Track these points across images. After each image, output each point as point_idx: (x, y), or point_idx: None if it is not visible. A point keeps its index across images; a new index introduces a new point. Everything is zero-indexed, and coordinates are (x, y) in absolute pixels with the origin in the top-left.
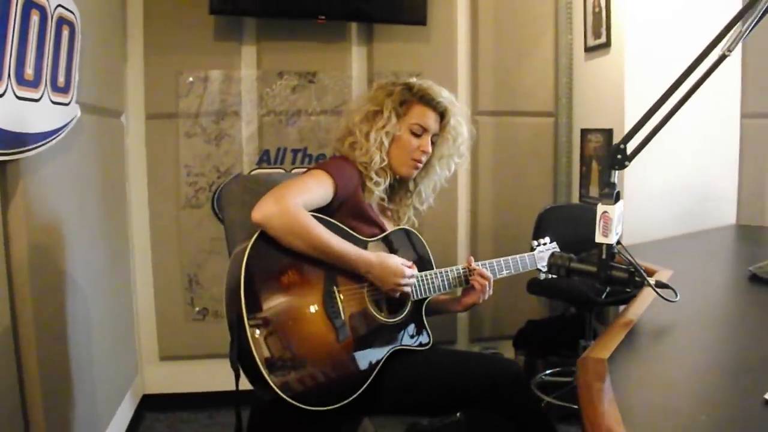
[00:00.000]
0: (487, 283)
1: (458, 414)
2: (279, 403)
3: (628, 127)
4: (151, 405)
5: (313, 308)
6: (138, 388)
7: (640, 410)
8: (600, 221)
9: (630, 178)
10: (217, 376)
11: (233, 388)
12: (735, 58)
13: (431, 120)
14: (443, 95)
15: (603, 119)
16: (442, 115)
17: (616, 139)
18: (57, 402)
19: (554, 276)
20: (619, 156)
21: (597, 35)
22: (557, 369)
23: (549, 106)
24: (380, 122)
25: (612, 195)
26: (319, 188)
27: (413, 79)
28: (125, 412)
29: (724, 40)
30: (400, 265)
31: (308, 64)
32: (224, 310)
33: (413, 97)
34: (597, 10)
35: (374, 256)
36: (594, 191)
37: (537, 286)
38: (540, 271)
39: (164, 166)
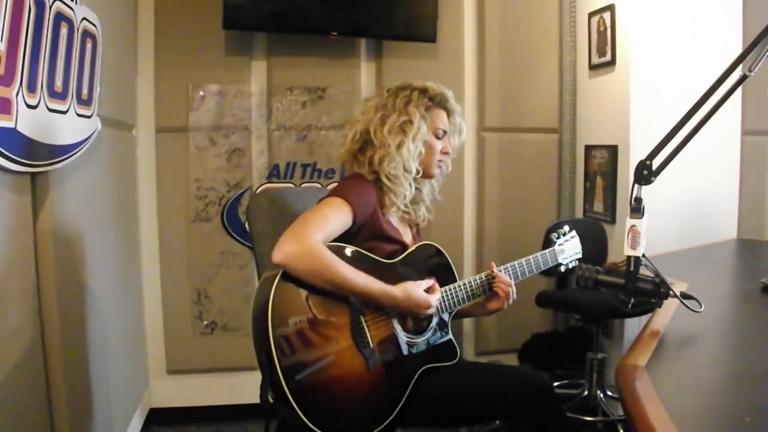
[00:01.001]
0: (510, 289)
1: (497, 422)
2: None
3: (633, 143)
4: (158, 419)
5: (342, 340)
6: (145, 402)
7: (686, 412)
8: (628, 234)
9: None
10: (225, 389)
11: (241, 402)
12: (735, 77)
13: (447, 121)
14: (450, 95)
15: (608, 136)
16: (449, 114)
17: (622, 154)
18: (79, 414)
19: (580, 279)
20: (645, 172)
21: (602, 54)
22: (564, 381)
23: (553, 123)
24: (412, 132)
25: (640, 209)
26: (338, 218)
27: (424, 83)
28: (134, 426)
29: (746, 60)
30: (425, 295)
31: (318, 80)
32: (233, 324)
33: (432, 102)
34: (602, 29)
35: (399, 291)
36: (598, 207)
37: (545, 299)
38: (561, 265)
39: (174, 179)
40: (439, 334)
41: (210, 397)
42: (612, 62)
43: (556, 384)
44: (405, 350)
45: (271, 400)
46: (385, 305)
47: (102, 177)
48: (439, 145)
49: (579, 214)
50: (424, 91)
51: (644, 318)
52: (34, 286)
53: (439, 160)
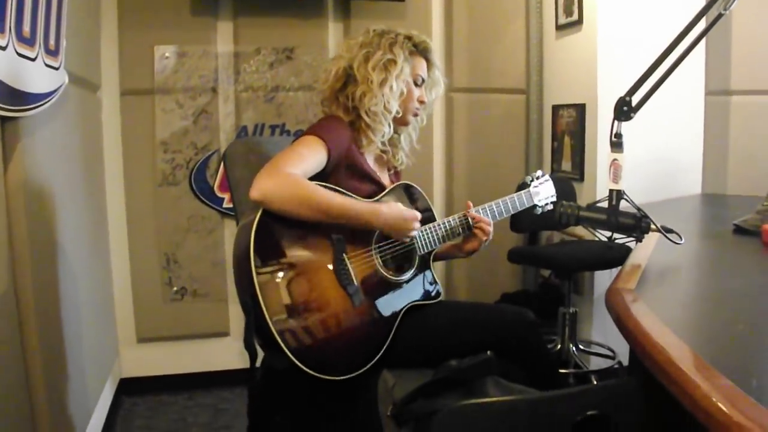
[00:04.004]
0: (488, 228)
1: (488, 352)
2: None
3: (601, 101)
4: (128, 389)
5: (324, 279)
6: (115, 372)
7: (682, 324)
8: (610, 168)
9: (603, 152)
10: (197, 356)
11: (213, 369)
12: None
13: (426, 71)
14: (433, 47)
15: (575, 95)
16: (430, 66)
17: (590, 112)
18: (55, 378)
19: (562, 216)
20: (624, 108)
21: (569, 13)
22: None
23: (520, 83)
24: (395, 71)
25: (620, 144)
26: (312, 155)
27: (409, 30)
28: (105, 397)
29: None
30: (410, 210)
31: (285, 40)
32: (203, 290)
33: (415, 48)
34: None
35: (384, 205)
36: (566, 165)
37: (517, 255)
38: (536, 206)
39: (140, 143)
40: (422, 273)
41: (181, 365)
42: (579, 22)
43: None
44: (389, 289)
45: (257, 345)
46: (371, 221)
47: (70, 135)
48: (416, 92)
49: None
50: (408, 37)
51: (615, 271)
52: (5, 237)
53: (416, 108)
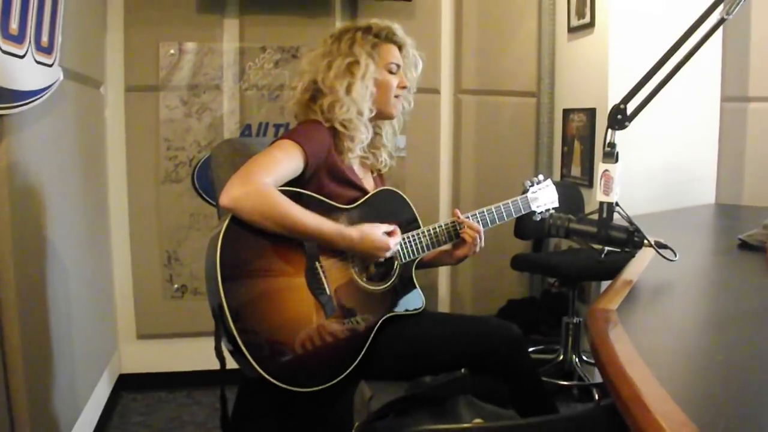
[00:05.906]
0: (477, 235)
1: (463, 369)
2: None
3: (612, 106)
4: (127, 385)
5: (296, 287)
6: (114, 368)
7: (657, 352)
8: (601, 179)
9: None
10: (196, 354)
11: (213, 367)
12: (716, 42)
13: (399, 55)
14: (398, 28)
15: (586, 99)
16: (400, 47)
17: (600, 117)
18: (38, 373)
19: (551, 227)
20: (619, 116)
21: (581, 15)
22: (540, 347)
23: (531, 86)
24: (360, 72)
25: (613, 154)
26: (288, 160)
27: (368, 21)
28: (102, 392)
29: (723, 4)
30: (383, 237)
31: (291, 39)
32: (203, 288)
33: (378, 38)
34: None
35: (355, 231)
36: (576, 171)
37: (521, 262)
38: (534, 212)
39: (143, 139)
40: (402, 282)
41: (181, 362)
42: (591, 24)
43: (531, 350)
44: (365, 298)
45: (226, 352)
46: (341, 247)
47: (66, 131)
48: (394, 80)
49: (557, 178)
50: (367, 30)
51: None
52: None
53: (397, 96)
